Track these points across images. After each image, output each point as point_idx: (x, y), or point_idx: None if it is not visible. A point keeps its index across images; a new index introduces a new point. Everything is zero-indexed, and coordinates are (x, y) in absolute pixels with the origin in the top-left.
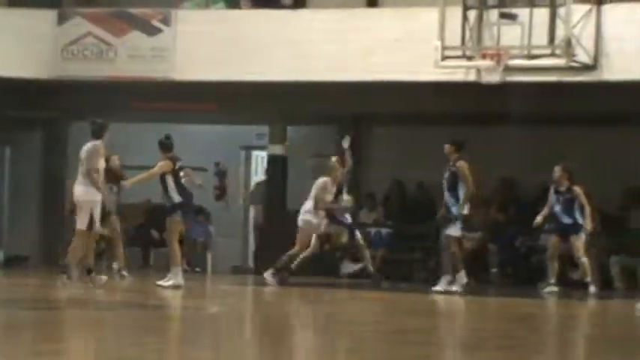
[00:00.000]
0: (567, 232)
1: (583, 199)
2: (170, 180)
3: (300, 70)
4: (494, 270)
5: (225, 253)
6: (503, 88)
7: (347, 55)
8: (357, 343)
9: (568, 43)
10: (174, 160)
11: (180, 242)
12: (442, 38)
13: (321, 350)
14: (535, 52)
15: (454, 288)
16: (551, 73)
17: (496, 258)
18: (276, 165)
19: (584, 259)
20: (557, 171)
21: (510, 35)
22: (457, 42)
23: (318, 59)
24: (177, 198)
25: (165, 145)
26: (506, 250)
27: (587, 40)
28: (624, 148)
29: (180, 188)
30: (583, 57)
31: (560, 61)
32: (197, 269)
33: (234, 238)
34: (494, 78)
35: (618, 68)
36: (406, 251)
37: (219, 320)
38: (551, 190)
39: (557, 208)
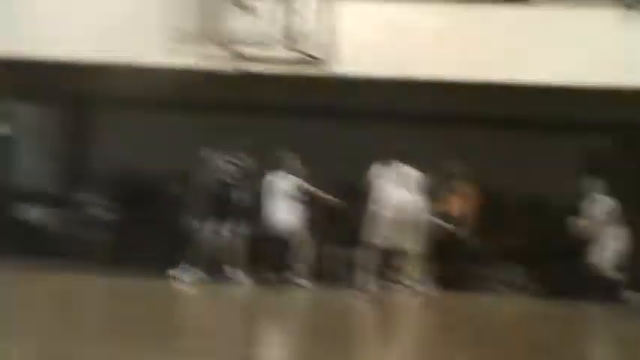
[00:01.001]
0: None
1: None
2: None
3: (21, 45)
4: None
5: None
6: (238, 77)
7: (74, 33)
8: None
9: (300, 36)
10: None
11: None
12: (176, 22)
13: None
14: (268, 42)
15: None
16: (284, 64)
17: None
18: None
19: None
20: None
21: (244, 24)
22: (192, 29)
23: (40, 35)
24: None
25: None
26: None
27: (320, 34)
28: (349, 142)
29: None
30: (315, 50)
31: (293, 54)
32: None
33: None
34: (226, 66)
35: (348, 62)
36: (133, 236)
37: None
38: None
39: None
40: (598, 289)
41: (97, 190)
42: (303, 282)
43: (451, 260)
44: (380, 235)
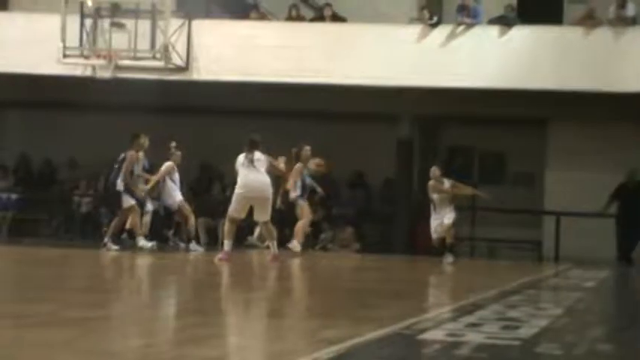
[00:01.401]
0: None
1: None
2: None
3: None
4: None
5: None
6: (115, 82)
7: None
8: None
9: (166, 49)
10: None
11: None
12: (64, 40)
13: None
14: (140, 55)
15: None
16: (153, 72)
17: None
18: None
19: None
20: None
21: (120, 40)
22: (76, 43)
23: None
24: None
25: None
26: None
27: (181, 47)
28: (213, 134)
29: None
30: (177, 60)
31: (159, 63)
32: None
33: None
34: (106, 74)
35: (205, 70)
36: (33, 212)
37: None
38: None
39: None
40: (415, 247)
41: (2, 176)
42: (186, 245)
43: (292, 225)
44: (237, 208)
